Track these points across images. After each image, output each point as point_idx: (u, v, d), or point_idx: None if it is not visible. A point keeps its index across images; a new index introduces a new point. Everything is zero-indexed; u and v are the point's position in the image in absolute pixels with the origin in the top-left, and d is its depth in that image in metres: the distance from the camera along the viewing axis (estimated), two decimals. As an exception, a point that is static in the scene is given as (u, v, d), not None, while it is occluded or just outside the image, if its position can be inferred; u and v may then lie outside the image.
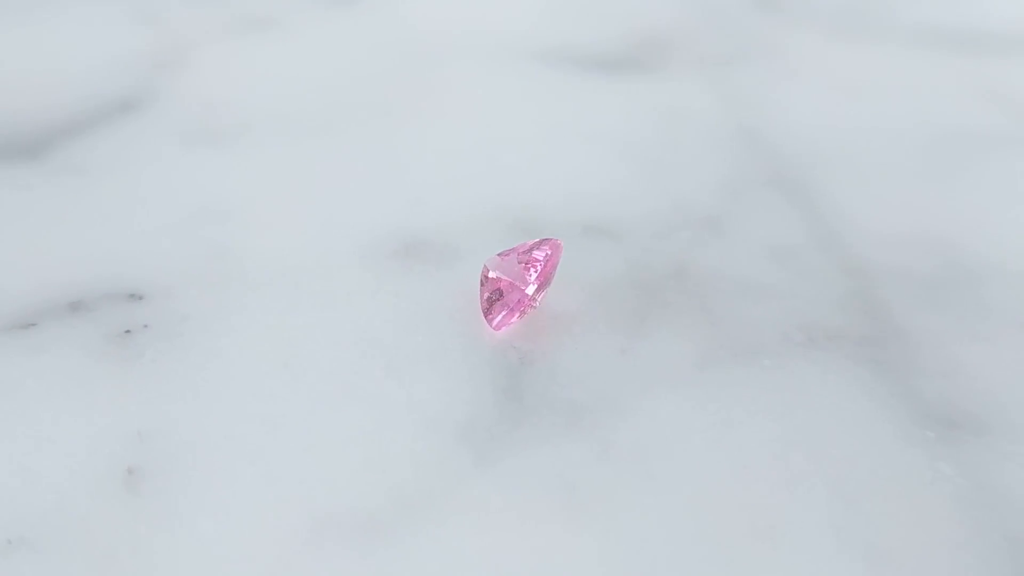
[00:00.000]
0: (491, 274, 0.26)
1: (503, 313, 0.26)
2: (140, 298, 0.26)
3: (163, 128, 0.34)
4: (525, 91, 0.37)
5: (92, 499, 0.21)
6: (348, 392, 0.24)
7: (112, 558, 0.20)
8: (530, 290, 0.26)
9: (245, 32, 0.40)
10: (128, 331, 0.25)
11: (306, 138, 0.33)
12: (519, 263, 0.26)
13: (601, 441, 0.23)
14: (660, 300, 0.27)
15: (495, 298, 0.26)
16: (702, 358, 0.26)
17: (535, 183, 0.32)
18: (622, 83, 0.38)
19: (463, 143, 0.34)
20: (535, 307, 0.26)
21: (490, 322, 0.26)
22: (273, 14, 0.41)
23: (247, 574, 0.20)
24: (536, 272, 0.26)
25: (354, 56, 0.39)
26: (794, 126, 0.35)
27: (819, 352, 0.26)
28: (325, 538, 0.21)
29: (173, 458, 0.22)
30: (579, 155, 0.33)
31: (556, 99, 0.36)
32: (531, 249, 0.26)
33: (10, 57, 0.37)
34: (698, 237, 0.30)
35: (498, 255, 0.26)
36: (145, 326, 0.26)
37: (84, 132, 0.33)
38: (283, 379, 0.24)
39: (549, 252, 0.26)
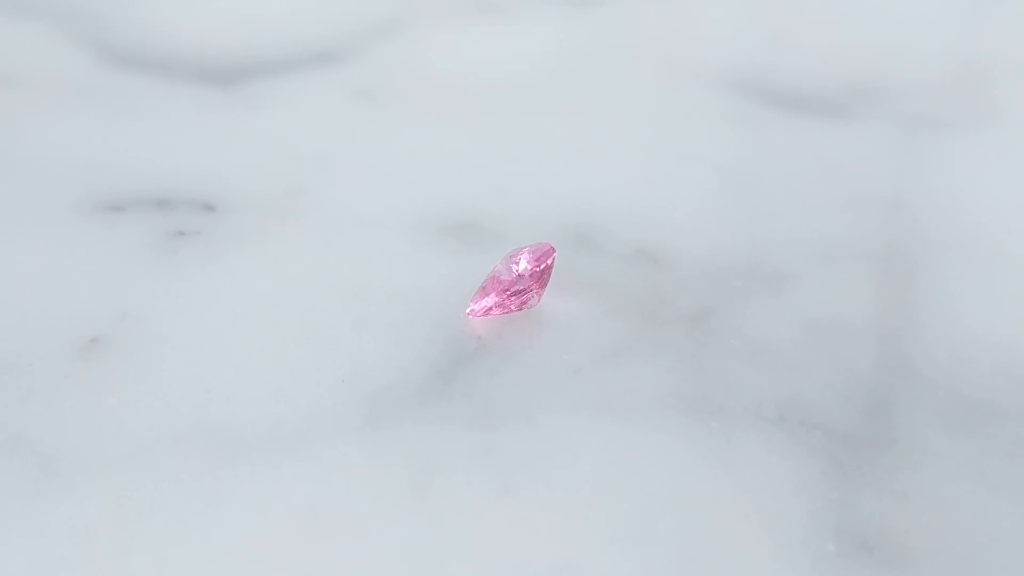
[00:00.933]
0: (497, 267, 0.26)
1: (484, 304, 0.26)
2: (212, 209, 0.30)
3: (349, 86, 0.37)
4: (687, 113, 0.36)
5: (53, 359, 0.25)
6: (312, 330, 0.26)
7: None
8: (516, 287, 0.26)
9: (472, 16, 0.43)
10: (182, 232, 0.29)
11: (473, 117, 0.35)
12: (516, 264, 0.26)
13: (488, 445, 0.23)
14: (656, 335, 0.26)
15: (486, 288, 0.26)
16: (649, 402, 0.24)
17: (619, 196, 0.31)
18: (796, 124, 0.35)
19: (593, 147, 0.34)
20: (527, 307, 0.26)
21: (469, 307, 0.26)
22: (506, 5, 0.43)
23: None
24: (523, 273, 0.26)
25: (556, 52, 0.40)
26: (944, 202, 0.31)
27: (778, 432, 0.23)
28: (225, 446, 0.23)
29: (138, 339, 0.25)
30: (691, 181, 0.32)
31: (718, 128, 0.35)
32: (530, 254, 0.26)
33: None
34: (747, 288, 0.27)
35: (517, 251, 0.27)
36: (198, 232, 0.29)
37: (276, 73, 0.38)
38: (274, 306, 0.27)
39: (543, 257, 0.26)
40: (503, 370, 0.25)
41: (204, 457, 0.22)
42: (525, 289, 0.26)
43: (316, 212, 0.30)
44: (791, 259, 0.29)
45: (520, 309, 0.26)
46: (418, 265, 0.28)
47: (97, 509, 0.21)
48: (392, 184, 0.32)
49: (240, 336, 0.26)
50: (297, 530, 0.21)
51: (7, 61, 0.37)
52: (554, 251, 0.27)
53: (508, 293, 0.26)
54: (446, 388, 0.24)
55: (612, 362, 0.25)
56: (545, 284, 0.26)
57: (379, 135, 0.34)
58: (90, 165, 0.32)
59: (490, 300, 0.26)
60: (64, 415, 0.23)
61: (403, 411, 0.24)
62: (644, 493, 0.22)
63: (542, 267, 0.26)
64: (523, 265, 0.26)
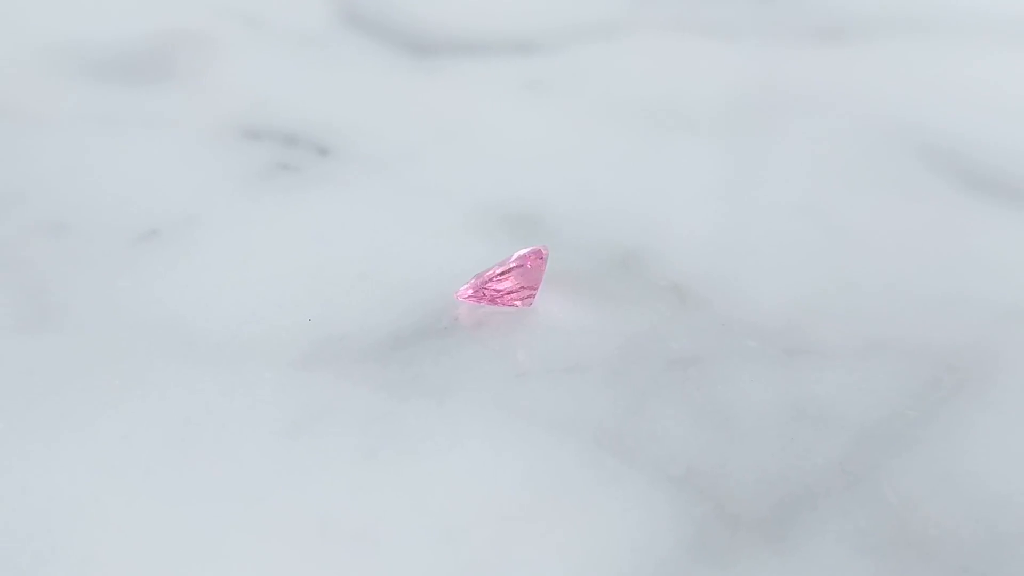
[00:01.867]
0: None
1: (465, 289, 0.26)
2: (324, 153, 0.33)
3: (527, 75, 0.38)
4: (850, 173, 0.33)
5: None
6: (326, 271, 0.27)
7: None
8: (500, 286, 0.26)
9: (685, 34, 0.41)
10: (286, 166, 0.32)
11: (623, 130, 0.35)
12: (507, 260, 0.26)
13: (384, 412, 0.23)
14: (624, 367, 0.24)
15: (482, 276, 0.26)
16: (564, 424, 0.23)
17: (703, 237, 0.29)
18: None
19: (725, 183, 0.32)
20: (522, 305, 0.26)
21: (458, 290, 0.26)
22: (729, 31, 0.42)
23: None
24: (505, 267, 0.26)
25: (747, 83, 0.38)
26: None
27: (668, 491, 0.21)
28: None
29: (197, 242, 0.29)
30: (792, 234, 0.29)
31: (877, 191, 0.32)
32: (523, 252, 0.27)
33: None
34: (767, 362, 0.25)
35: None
36: (298, 169, 0.32)
37: (470, 53, 0.40)
38: (312, 246, 0.29)
39: (530, 256, 0.26)
40: (452, 353, 0.25)
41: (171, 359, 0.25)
42: (510, 290, 0.26)
43: (404, 178, 0.32)
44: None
45: (507, 305, 0.26)
46: (459, 244, 0.29)
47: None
48: (489, 169, 0.32)
49: (273, 263, 0.28)
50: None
51: (265, 6, 0.43)
52: (544, 253, 0.26)
53: (484, 283, 0.26)
54: (389, 353, 0.25)
55: (561, 377, 0.24)
56: (536, 285, 0.26)
57: (516, 124, 0.35)
58: (265, 96, 0.36)
59: (469, 287, 0.26)
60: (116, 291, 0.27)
61: (334, 361, 0.25)
62: (472, 502, 0.21)
63: (527, 264, 0.26)
64: (510, 262, 0.26)
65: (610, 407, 0.24)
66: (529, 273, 0.26)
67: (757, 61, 0.39)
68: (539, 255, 0.26)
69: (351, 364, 0.25)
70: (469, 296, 0.26)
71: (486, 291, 0.26)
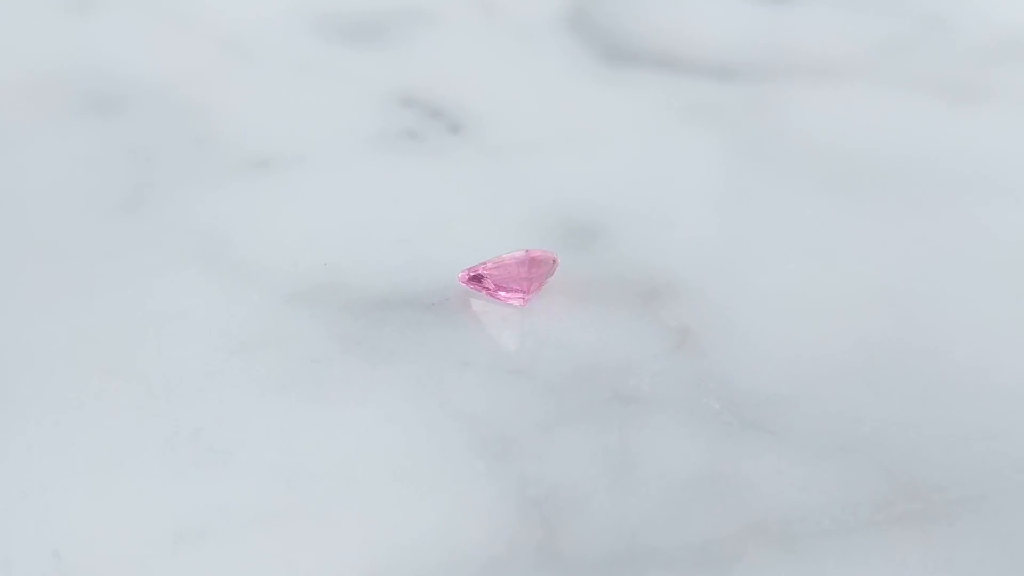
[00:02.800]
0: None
1: (470, 274, 0.27)
2: (456, 130, 0.34)
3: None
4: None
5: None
6: (370, 233, 0.30)
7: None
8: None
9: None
10: (414, 135, 0.34)
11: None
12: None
13: (314, 358, 0.25)
14: (544, 389, 0.24)
15: (486, 264, 0.27)
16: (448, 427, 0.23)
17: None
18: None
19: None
20: (514, 301, 0.26)
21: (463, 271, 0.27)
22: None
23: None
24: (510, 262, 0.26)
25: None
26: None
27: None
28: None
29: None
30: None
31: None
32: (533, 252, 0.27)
33: None
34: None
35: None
36: (422, 138, 0.34)
37: (659, 67, 0.39)
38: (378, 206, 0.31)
39: (538, 260, 0.26)
40: (421, 328, 0.26)
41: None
42: (508, 285, 0.26)
43: (505, 167, 0.33)
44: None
45: (501, 300, 0.26)
46: (513, 237, 0.29)
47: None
48: (584, 177, 0.32)
49: (343, 211, 0.30)
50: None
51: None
52: (554, 259, 0.27)
53: (486, 270, 0.26)
54: (368, 311, 0.26)
55: (500, 377, 0.24)
56: (532, 287, 0.26)
57: (659, 143, 0.34)
58: (443, 74, 0.38)
59: (469, 272, 0.27)
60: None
61: (317, 303, 0.27)
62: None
63: (531, 264, 0.26)
64: (517, 257, 0.26)
65: (521, 418, 0.23)
66: (529, 273, 0.26)
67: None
68: (548, 260, 0.27)
69: (330, 310, 0.26)
70: (467, 280, 0.27)
71: (484, 280, 0.26)
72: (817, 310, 0.27)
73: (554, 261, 0.27)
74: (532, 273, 0.26)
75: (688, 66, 0.39)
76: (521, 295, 0.26)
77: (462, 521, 0.21)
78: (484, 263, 0.27)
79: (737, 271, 0.28)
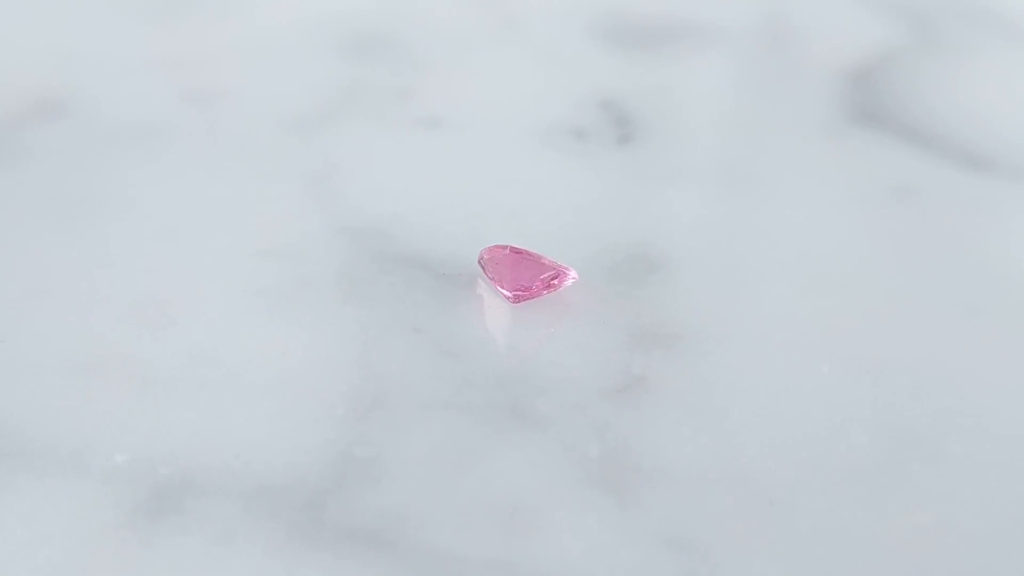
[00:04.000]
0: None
1: (485, 255, 0.27)
2: (625, 141, 0.33)
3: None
4: None
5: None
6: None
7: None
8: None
9: None
10: (581, 134, 0.33)
11: None
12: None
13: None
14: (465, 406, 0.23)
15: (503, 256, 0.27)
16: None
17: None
18: None
19: None
20: (507, 297, 0.26)
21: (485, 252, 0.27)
22: None
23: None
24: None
25: None
26: None
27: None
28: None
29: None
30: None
31: None
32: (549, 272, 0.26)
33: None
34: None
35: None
36: (584, 138, 0.33)
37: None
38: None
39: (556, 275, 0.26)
40: (405, 288, 0.27)
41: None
42: (508, 280, 0.26)
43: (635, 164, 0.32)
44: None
45: (498, 287, 0.26)
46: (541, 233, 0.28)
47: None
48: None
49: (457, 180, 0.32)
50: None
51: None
52: (569, 275, 0.26)
53: (494, 257, 0.26)
54: (375, 261, 0.28)
55: (432, 357, 0.25)
56: (526, 291, 0.26)
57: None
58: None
59: (486, 252, 0.26)
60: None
61: (340, 234, 0.28)
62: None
63: (530, 275, 0.26)
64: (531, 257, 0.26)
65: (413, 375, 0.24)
66: (528, 277, 0.26)
67: None
68: (553, 271, 0.26)
69: (362, 247, 0.28)
70: (480, 260, 0.27)
71: (486, 268, 0.26)
72: None
73: (567, 276, 0.26)
74: (529, 276, 0.26)
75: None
76: (515, 293, 0.26)
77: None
78: (504, 249, 0.26)
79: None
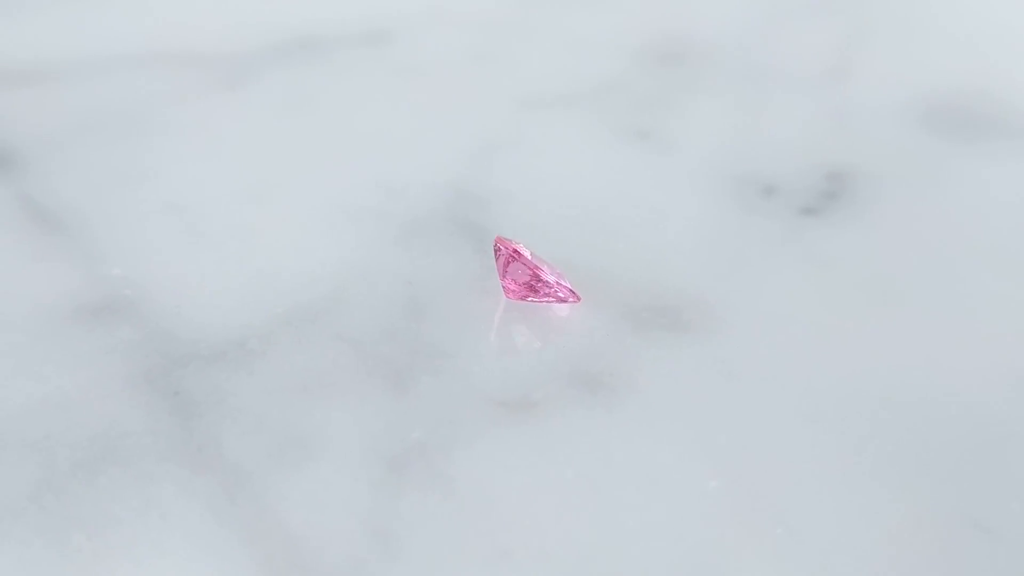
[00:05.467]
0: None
1: (519, 245, 0.27)
2: (831, 196, 0.32)
3: None
4: None
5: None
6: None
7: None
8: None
9: None
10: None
11: None
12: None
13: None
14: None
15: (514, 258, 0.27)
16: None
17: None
18: None
19: None
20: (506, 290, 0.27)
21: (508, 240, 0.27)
22: None
23: None
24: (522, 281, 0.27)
25: None
26: None
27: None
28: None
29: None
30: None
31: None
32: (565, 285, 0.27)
33: None
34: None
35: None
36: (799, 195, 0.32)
37: None
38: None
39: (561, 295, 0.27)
40: (431, 247, 0.29)
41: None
42: (508, 276, 0.27)
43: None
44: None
45: (501, 278, 0.27)
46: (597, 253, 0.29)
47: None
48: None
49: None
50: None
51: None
52: (571, 299, 0.27)
53: (498, 247, 0.27)
54: (417, 210, 0.30)
55: (367, 347, 0.26)
56: (518, 295, 0.27)
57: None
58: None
59: (521, 245, 0.27)
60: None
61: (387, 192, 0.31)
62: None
63: (529, 281, 0.27)
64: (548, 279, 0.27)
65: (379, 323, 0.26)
66: (526, 284, 0.27)
67: None
68: (566, 293, 0.27)
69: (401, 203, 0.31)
70: (506, 241, 0.27)
71: (498, 252, 0.27)
72: None
73: (571, 294, 0.27)
74: (526, 283, 0.27)
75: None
76: (510, 288, 0.27)
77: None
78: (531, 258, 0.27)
79: None
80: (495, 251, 0.27)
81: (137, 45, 0.39)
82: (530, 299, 0.27)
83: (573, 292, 0.27)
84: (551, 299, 0.27)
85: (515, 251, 0.27)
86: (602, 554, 0.22)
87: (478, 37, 0.41)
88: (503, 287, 0.27)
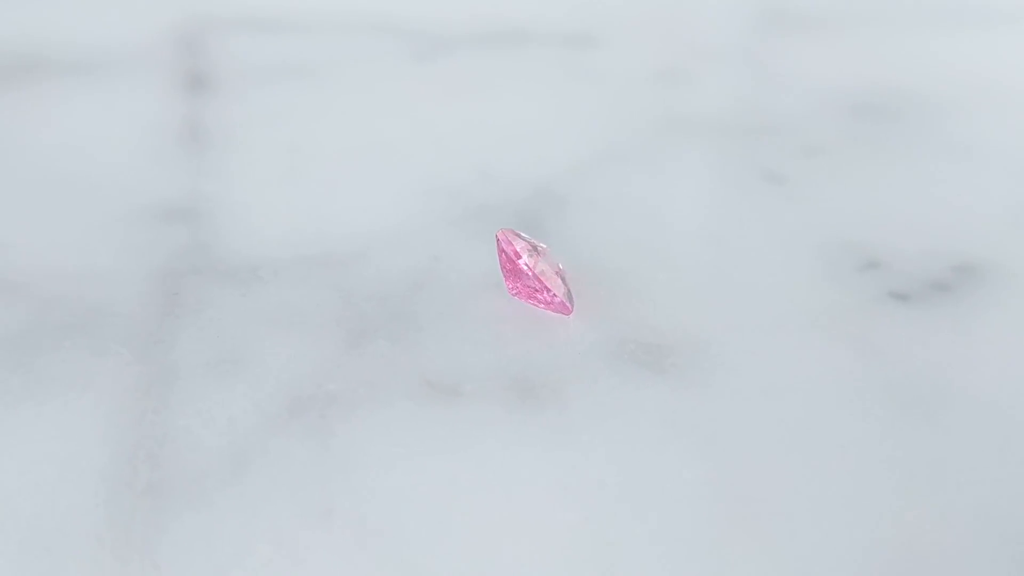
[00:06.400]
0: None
1: (521, 239, 0.27)
2: (943, 289, 0.28)
3: None
4: None
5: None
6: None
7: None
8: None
9: None
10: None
11: None
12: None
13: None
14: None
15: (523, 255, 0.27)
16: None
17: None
18: None
19: None
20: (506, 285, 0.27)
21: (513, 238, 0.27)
22: None
23: None
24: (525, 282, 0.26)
25: None
26: None
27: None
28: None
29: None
30: None
31: None
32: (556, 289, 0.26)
33: None
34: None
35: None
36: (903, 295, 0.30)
37: None
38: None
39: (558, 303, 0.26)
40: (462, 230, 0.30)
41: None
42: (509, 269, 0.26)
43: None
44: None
45: (502, 270, 0.27)
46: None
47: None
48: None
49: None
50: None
51: None
52: (561, 308, 0.26)
53: (527, 245, 0.26)
54: (476, 194, 0.31)
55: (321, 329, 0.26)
56: (516, 292, 0.27)
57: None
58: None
59: (522, 240, 0.27)
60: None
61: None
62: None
63: (530, 284, 0.26)
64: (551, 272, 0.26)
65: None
66: (527, 286, 0.26)
67: None
68: (557, 304, 0.26)
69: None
70: (511, 240, 0.26)
71: (511, 252, 0.26)
72: None
73: (562, 306, 0.26)
74: (528, 285, 0.26)
75: None
76: (511, 284, 0.27)
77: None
78: (537, 249, 0.27)
79: None
80: (497, 245, 0.27)
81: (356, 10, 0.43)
82: (523, 300, 0.27)
83: (565, 304, 0.26)
84: (539, 304, 0.27)
85: (515, 252, 0.26)
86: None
87: (667, 56, 0.40)
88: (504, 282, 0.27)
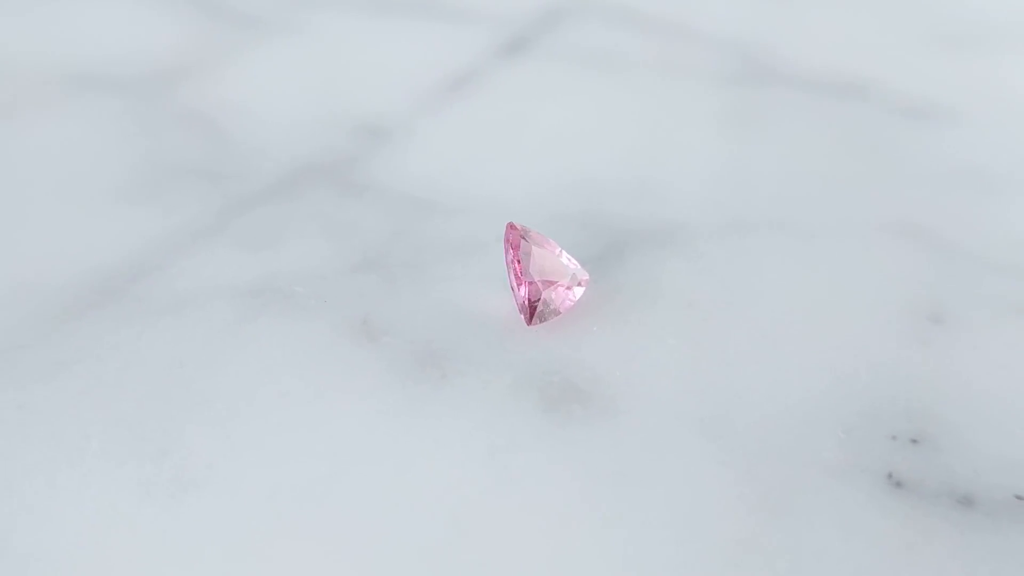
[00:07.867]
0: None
1: (526, 233, 0.27)
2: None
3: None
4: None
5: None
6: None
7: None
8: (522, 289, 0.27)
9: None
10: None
11: None
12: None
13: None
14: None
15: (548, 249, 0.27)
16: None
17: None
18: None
19: None
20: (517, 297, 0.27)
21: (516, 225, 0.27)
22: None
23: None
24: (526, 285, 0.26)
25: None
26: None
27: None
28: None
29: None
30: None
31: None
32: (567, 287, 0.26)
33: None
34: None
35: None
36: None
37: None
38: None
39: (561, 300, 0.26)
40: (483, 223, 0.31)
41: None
42: (511, 259, 0.27)
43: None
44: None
45: (506, 261, 0.27)
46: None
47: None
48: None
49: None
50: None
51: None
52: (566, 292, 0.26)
53: (534, 237, 0.27)
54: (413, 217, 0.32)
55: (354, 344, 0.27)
56: (522, 292, 0.26)
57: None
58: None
59: (530, 232, 0.27)
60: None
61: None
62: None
63: (533, 282, 0.26)
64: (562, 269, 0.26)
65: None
66: (530, 285, 0.26)
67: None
68: (518, 306, 0.26)
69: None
70: (517, 241, 0.27)
71: (513, 253, 0.27)
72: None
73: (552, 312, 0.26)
74: (531, 287, 0.26)
75: None
76: (514, 278, 0.27)
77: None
78: (547, 244, 0.27)
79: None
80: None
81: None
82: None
83: (520, 313, 0.26)
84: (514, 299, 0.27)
85: (517, 260, 0.26)
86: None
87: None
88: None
